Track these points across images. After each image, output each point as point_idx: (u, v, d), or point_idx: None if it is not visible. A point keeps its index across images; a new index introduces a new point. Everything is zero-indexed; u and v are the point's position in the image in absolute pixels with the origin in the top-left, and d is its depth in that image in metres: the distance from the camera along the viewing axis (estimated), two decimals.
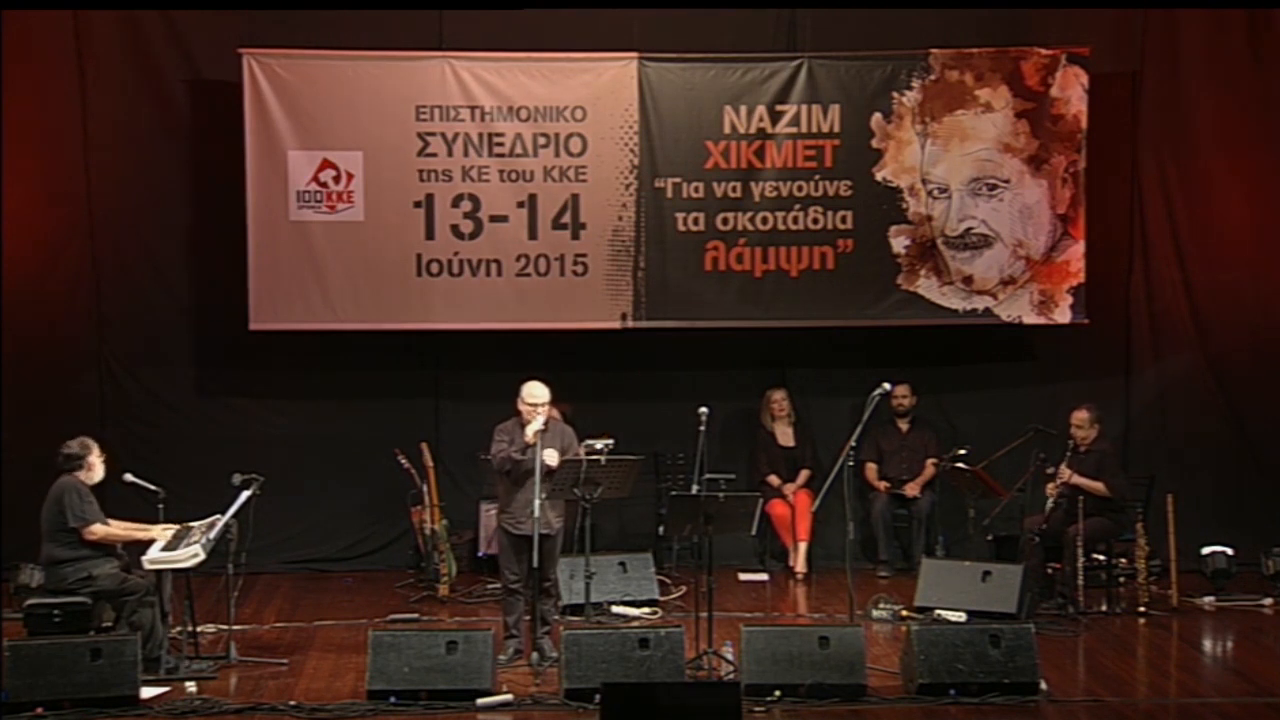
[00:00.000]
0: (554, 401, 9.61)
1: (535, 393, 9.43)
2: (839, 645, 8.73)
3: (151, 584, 9.27)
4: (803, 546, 12.04)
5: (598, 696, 7.97)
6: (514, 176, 11.99)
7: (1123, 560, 11.11)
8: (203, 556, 9.17)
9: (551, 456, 9.32)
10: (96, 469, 9.47)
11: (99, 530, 9.29)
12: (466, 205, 11.96)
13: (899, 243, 12.19)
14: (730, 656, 9.10)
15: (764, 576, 12.01)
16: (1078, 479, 10.76)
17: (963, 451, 11.33)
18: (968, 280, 12.22)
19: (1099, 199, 12.31)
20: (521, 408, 9.43)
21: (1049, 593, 10.77)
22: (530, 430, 9.31)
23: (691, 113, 12.04)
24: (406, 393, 12.47)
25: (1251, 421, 12.58)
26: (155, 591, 9.25)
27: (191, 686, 8.81)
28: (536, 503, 9.15)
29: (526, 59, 11.97)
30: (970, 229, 12.20)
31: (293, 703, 8.62)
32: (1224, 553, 11.38)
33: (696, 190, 12.08)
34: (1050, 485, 10.84)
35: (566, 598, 10.19)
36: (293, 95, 11.77)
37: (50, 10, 11.80)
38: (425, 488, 11.44)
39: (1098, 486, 10.80)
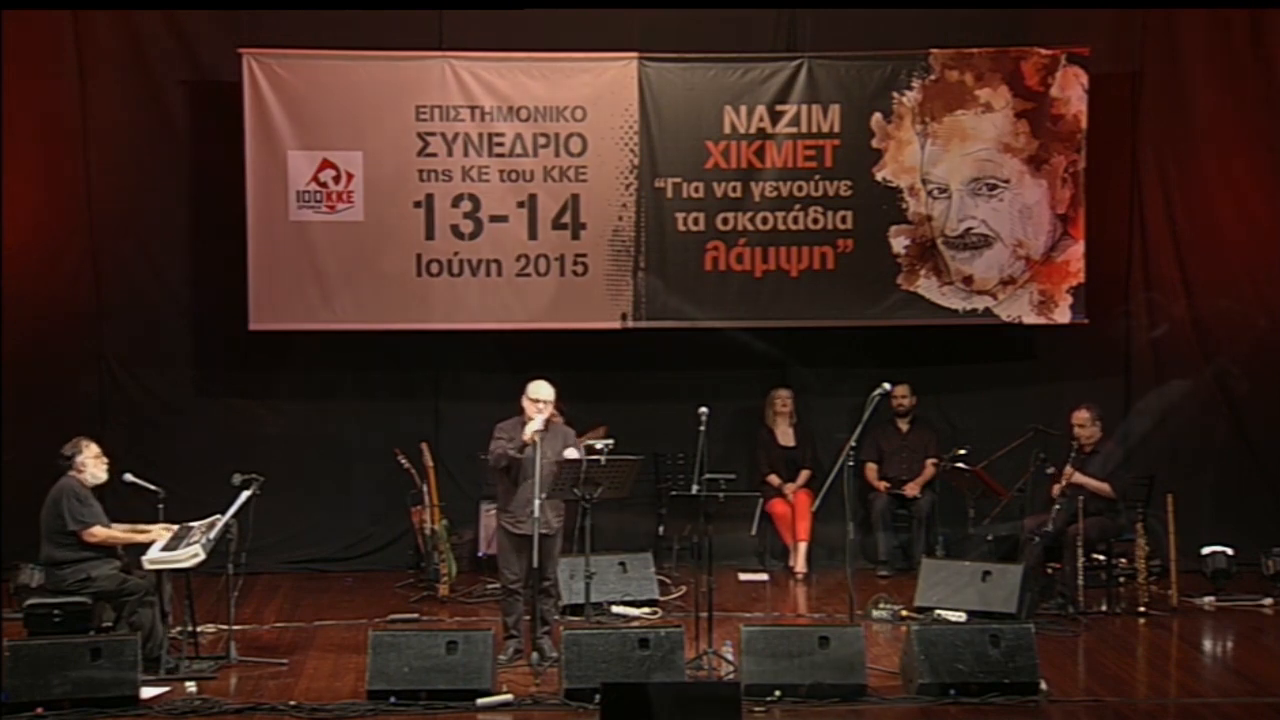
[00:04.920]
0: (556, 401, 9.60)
1: (540, 391, 9.43)
2: (839, 645, 8.73)
3: (151, 584, 9.28)
4: (803, 546, 12.04)
5: (598, 696, 7.97)
6: (514, 176, 11.99)
7: (1123, 560, 11.11)
8: (203, 556, 9.18)
9: (571, 453, 9.32)
10: (89, 469, 9.43)
11: (99, 532, 9.29)
12: (466, 205, 11.96)
13: (899, 243, 12.19)
14: (730, 656, 9.10)
15: (764, 576, 12.01)
16: (1081, 479, 10.76)
17: (963, 451, 11.35)
18: (968, 280, 12.22)
19: (1099, 199, 12.30)
20: (525, 404, 9.42)
21: (1049, 593, 10.77)
22: (529, 430, 9.31)
23: (691, 113, 12.03)
24: (406, 393, 12.46)
25: (1251, 421, 12.57)
26: (155, 591, 9.26)
27: (191, 686, 8.82)
28: (536, 502, 9.15)
29: (526, 59, 11.97)
30: (970, 229, 12.20)
31: (293, 703, 8.63)
32: (1224, 553, 11.37)
33: (696, 190, 12.08)
34: (1055, 486, 10.83)
35: (566, 598, 10.18)
36: (293, 95, 11.77)
37: (50, 10, 11.80)
38: (425, 488, 11.45)
39: (1103, 487, 10.80)
